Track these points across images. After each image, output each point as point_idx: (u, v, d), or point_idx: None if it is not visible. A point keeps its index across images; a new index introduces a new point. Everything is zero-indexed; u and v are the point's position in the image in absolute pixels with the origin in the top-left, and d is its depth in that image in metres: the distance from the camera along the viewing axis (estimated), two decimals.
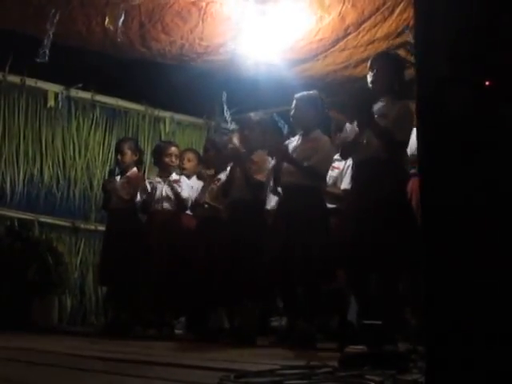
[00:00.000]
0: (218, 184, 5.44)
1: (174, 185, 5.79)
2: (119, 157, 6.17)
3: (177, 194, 5.77)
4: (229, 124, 7.85)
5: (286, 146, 4.71)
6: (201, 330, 5.36)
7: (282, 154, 4.63)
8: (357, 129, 4.07)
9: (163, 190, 5.87)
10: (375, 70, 4.08)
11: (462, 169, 1.80)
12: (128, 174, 6.12)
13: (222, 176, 5.38)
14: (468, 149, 1.80)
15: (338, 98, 4.24)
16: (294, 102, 4.72)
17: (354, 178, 4.30)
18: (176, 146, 6.18)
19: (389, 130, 3.93)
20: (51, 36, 5.25)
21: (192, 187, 5.87)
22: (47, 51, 5.25)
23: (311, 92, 4.76)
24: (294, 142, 4.77)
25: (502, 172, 1.75)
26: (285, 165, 4.65)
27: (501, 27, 1.82)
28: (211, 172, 5.75)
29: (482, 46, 1.83)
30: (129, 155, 6.14)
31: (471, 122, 1.81)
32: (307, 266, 4.38)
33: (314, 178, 4.61)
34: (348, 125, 4.22)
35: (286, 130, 7.40)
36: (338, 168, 5.08)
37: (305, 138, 4.70)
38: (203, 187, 5.73)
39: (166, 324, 5.71)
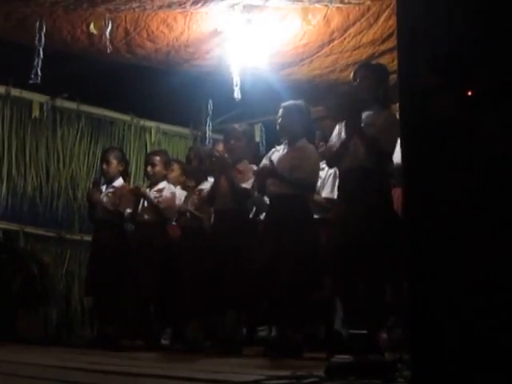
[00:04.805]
0: (202, 194, 5.45)
1: (151, 197, 5.78)
2: (105, 166, 6.13)
3: (156, 206, 5.76)
4: (210, 133, 7.89)
5: (270, 164, 4.69)
6: (187, 341, 5.35)
7: (266, 173, 4.65)
8: (343, 133, 4.08)
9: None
10: (358, 80, 4.10)
11: (446, 177, 1.81)
12: (114, 184, 6.10)
13: (204, 186, 5.39)
14: (451, 157, 1.81)
15: (326, 100, 4.22)
16: (281, 110, 4.74)
17: (339, 187, 4.31)
18: (157, 154, 6.15)
19: (376, 139, 3.94)
20: (41, 55, 5.22)
21: (177, 196, 5.87)
22: (39, 71, 5.23)
23: (298, 101, 4.79)
24: (279, 151, 4.78)
25: (485, 180, 1.76)
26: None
27: (483, 37, 1.83)
28: (191, 183, 5.76)
29: (464, 55, 1.84)
30: (114, 165, 6.10)
31: (455, 131, 1.82)
32: (295, 275, 4.38)
33: (302, 190, 4.63)
34: (338, 127, 4.20)
35: (264, 141, 7.46)
36: (319, 177, 5.09)
37: (290, 147, 4.71)
38: (185, 197, 5.74)
39: (152, 335, 5.68)
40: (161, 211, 5.77)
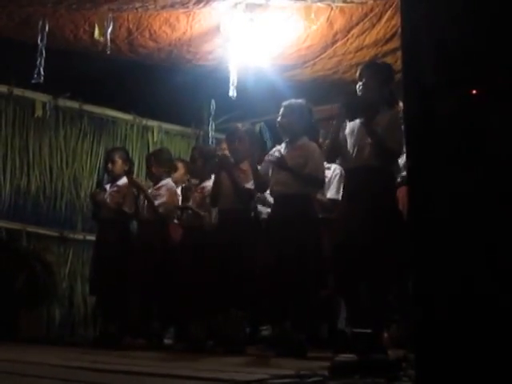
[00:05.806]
0: (204, 191, 5.45)
1: (148, 192, 5.79)
2: (110, 166, 6.14)
3: (151, 204, 5.76)
4: (212, 133, 7.90)
5: (282, 156, 4.70)
6: (190, 340, 5.34)
7: (280, 162, 4.63)
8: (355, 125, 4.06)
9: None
10: (364, 80, 4.09)
11: (451, 176, 1.81)
12: (118, 183, 6.10)
13: (207, 184, 5.39)
14: (456, 156, 1.81)
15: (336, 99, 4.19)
16: (282, 108, 4.73)
17: (344, 186, 4.30)
18: (153, 154, 6.17)
19: (383, 137, 3.93)
20: (44, 54, 5.23)
21: (178, 195, 5.87)
22: (41, 70, 5.23)
23: (299, 100, 4.78)
24: (281, 150, 4.77)
25: (490, 179, 1.76)
26: (276, 174, 4.66)
27: (487, 36, 1.83)
28: (196, 182, 5.77)
29: (468, 55, 1.84)
30: (119, 164, 6.11)
31: (459, 130, 1.82)
32: (298, 275, 4.38)
33: (313, 186, 4.63)
34: (348, 123, 4.17)
35: (269, 139, 7.46)
36: (325, 176, 5.08)
37: (291, 145, 4.71)
38: (186, 195, 5.74)
39: (154, 334, 5.68)
40: (156, 208, 5.75)
